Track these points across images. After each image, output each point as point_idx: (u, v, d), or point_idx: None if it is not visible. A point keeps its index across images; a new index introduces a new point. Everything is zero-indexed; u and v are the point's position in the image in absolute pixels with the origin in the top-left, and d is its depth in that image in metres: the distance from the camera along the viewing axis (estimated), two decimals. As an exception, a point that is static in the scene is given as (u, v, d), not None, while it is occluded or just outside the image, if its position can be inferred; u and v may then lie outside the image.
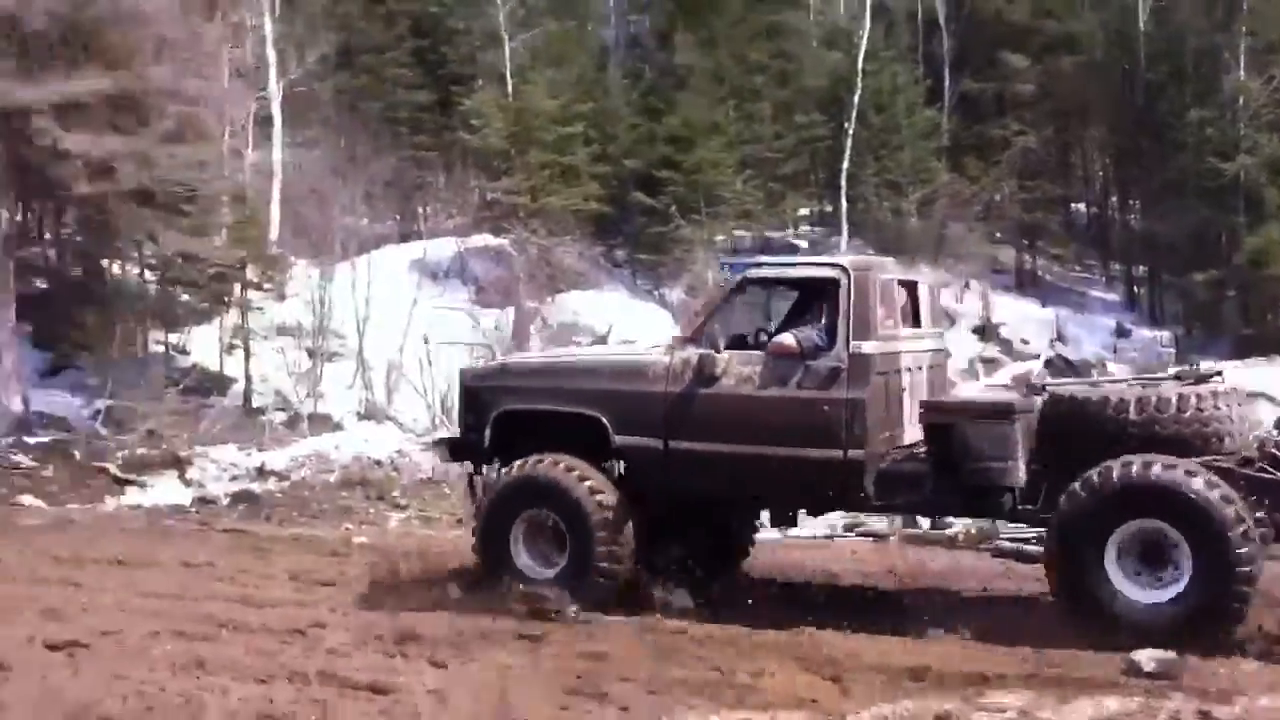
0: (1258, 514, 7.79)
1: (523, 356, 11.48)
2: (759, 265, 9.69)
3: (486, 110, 29.11)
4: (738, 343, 9.08)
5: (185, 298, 23.95)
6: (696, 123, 29.00)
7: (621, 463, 8.97)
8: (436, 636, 8.39)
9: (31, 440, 18.32)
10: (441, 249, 28.92)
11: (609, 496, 8.85)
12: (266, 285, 24.72)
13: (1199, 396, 8.08)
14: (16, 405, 19.37)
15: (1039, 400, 8.64)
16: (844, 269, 8.72)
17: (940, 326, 10.17)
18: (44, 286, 23.70)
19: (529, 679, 7.50)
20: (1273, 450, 8.03)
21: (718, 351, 8.73)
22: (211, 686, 7.32)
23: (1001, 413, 8.38)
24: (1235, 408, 8.17)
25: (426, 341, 21.98)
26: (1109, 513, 7.80)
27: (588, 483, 8.87)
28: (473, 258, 28.53)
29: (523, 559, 9.11)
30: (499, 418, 9.36)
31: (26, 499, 15.29)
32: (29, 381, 20.47)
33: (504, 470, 9.26)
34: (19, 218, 22.60)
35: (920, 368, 9.21)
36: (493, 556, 9.20)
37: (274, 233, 26.37)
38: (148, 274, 24.16)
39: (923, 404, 8.81)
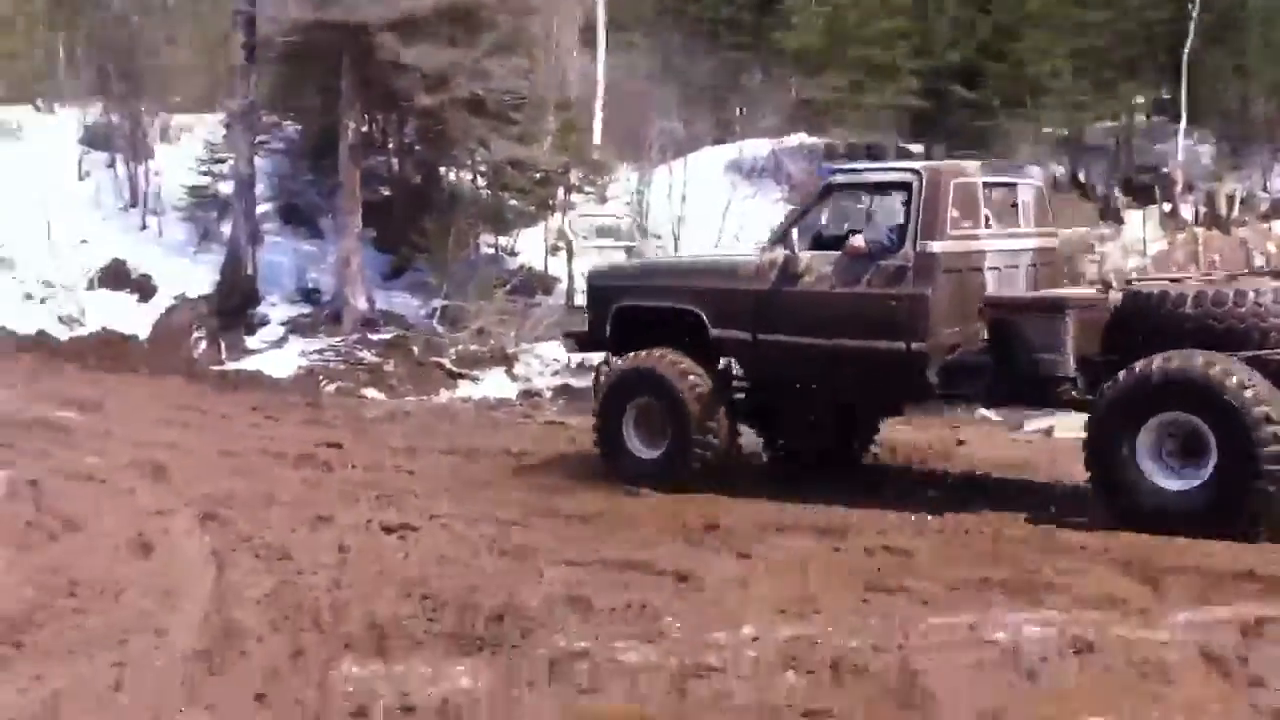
0: None
1: (636, 259, 11.63)
2: (844, 172, 10.17)
3: (804, 8, 28.64)
4: (831, 244, 9.60)
5: (513, 202, 24.92)
6: (1023, 11, 27.62)
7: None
8: (739, 528, 8.58)
9: (375, 337, 19.60)
10: (756, 149, 28.86)
11: (704, 386, 9.74)
12: (588, 189, 25.40)
13: (1258, 292, 8.21)
14: (362, 304, 20.75)
15: (1114, 296, 8.92)
16: (916, 173, 9.29)
17: (1049, 225, 10.32)
18: (387, 194, 25.12)
19: (830, 571, 7.57)
20: None
21: (797, 252, 9.43)
22: (528, 569, 7.75)
23: (1051, 308, 8.87)
24: None
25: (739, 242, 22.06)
26: (1141, 403, 8.15)
27: (686, 374, 9.76)
28: (787, 157, 28.34)
29: (633, 441, 10.11)
30: (617, 313, 10.43)
31: (369, 392, 16.35)
32: (373, 283, 21.87)
33: (618, 362, 10.39)
34: (364, 129, 23.93)
35: (1016, 266, 9.64)
36: (608, 438, 10.26)
37: (596, 138, 26.98)
38: (480, 180, 25.26)
39: (982, 300, 9.18)
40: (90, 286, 22.59)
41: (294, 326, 21.16)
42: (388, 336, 19.82)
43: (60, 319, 21.15)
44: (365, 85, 21.77)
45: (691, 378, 9.75)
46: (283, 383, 17.19)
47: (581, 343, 11.48)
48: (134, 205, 26.28)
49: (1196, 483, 8.03)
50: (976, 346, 9.12)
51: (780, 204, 25.68)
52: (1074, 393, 8.78)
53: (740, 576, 7.51)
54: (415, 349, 19.15)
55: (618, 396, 10.22)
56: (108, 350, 18.94)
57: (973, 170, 9.66)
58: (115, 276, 22.98)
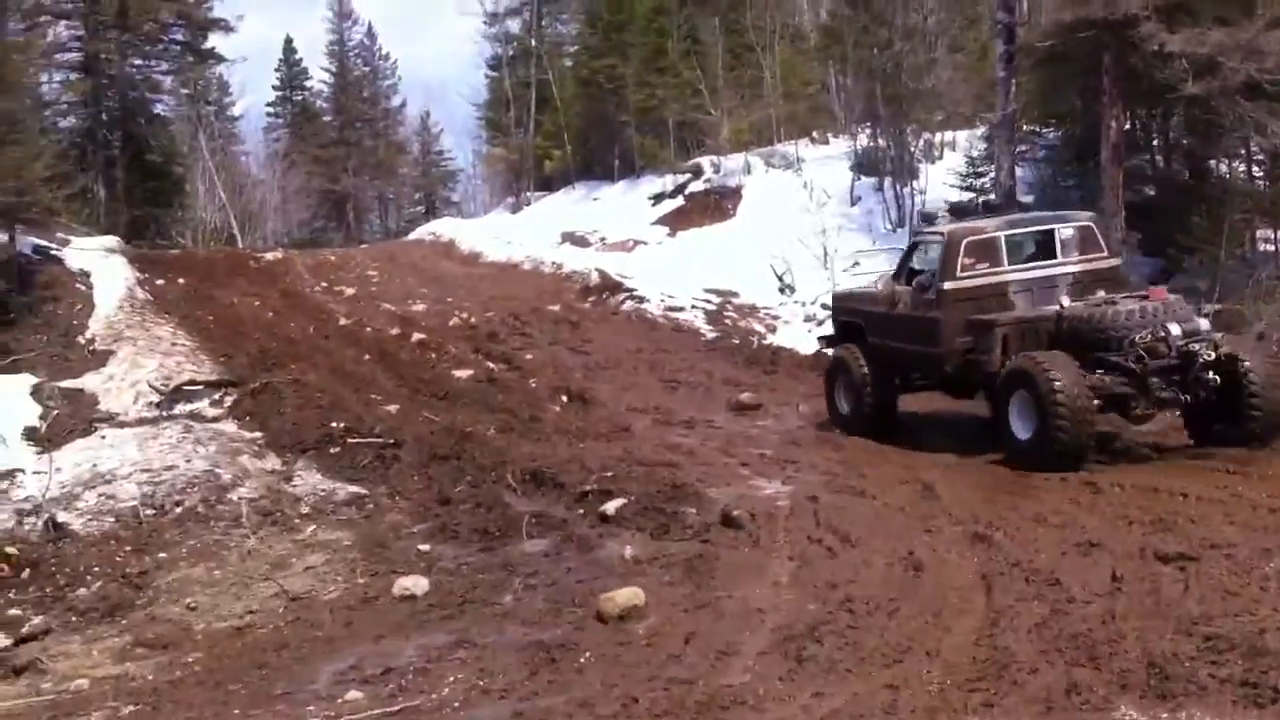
0: (1124, 387, 11.88)
1: (848, 288, 17.69)
2: (920, 236, 14.74)
3: None
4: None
5: (1294, 192, 22.56)
6: None
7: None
8: None
9: (1144, 346, 18.61)
10: None
11: (866, 369, 14.48)
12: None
13: (1098, 315, 12.14)
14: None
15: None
16: (942, 234, 13.76)
17: (1096, 254, 13.76)
18: (1150, 193, 23.89)
19: None
20: (1139, 350, 11.80)
21: (896, 288, 14.17)
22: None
23: (986, 325, 12.81)
24: (1140, 315, 12.03)
25: None
26: (1007, 385, 12.16)
27: (857, 360, 14.61)
28: None
29: (839, 401, 15.10)
30: (840, 323, 15.79)
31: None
32: (1137, 288, 20.85)
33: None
34: (1125, 127, 22.97)
35: (1055, 286, 13.20)
36: (829, 400, 15.30)
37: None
38: (1255, 170, 23.21)
39: (965, 319, 13.12)
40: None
41: (1058, 337, 20.74)
42: (1158, 345, 18.72)
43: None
44: (1127, 80, 20.90)
45: (859, 364, 14.58)
46: (1047, 396, 16.87)
47: (828, 342, 16.44)
48: (901, 225, 27.38)
49: (1032, 434, 11.73)
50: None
51: None
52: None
53: None
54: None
55: (832, 374, 15.33)
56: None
57: (991, 228, 13.74)
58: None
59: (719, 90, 38.31)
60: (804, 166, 34.33)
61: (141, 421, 15.91)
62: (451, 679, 7.39)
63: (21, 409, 16.03)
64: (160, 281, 25.43)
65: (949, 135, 31.82)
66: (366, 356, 20.26)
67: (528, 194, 50.87)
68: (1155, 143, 25.04)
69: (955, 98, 30.51)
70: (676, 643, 7.64)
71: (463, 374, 19.06)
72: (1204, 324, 12.52)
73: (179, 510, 12.25)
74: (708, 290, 26.02)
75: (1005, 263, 13.31)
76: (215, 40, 46.01)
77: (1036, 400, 11.55)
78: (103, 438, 14.86)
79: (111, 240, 28.97)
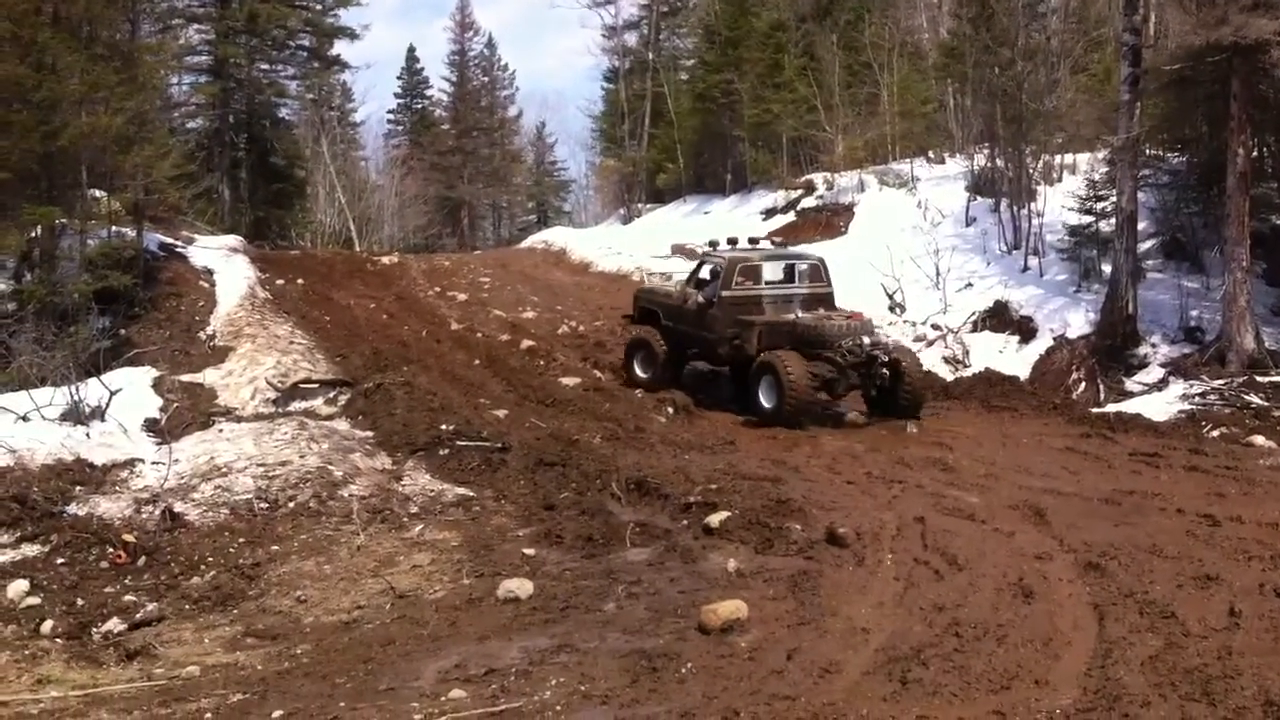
0: (831, 375, 17.00)
1: (650, 286, 23.22)
2: (706, 256, 19.98)
3: None
4: (706, 285, 19.30)
5: None
6: None
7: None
8: None
9: (1263, 379, 18.10)
10: None
11: (661, 346, 19.35)
12: None
13: (820, 325, 17.24)
14: (1249, 343, 19.34)
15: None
16: (722, 257, 18.97)
17: (820, 283, 18.75)
18: (1277, 222, 23.23)
19: None
20: (842, 351, 16.93)
21: (687, 289, 19.52)
22: None
23: (749, 324, 17.82)
24: (845, 328, 17.24)
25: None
26: (759, 369, 17.18)
27: (654, 338, 19.49)
28: None
29: (637, 370, 19.68)
30: (640, 309, 20.60)
31: (1257, 439, 15.03)
32: (1262, 319, 20.31)
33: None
34: (1254, 154, 22.36)
35: (791, 300, 18.29)
36: (627, 368, 19.93)
37: None
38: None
39: (734, 318, 18.15)
40: (974, 328, 23.48)
41: (1174, 367, 20.19)
42: (1277, 379, 18.17)
43: (945, 360, 22.20)
44: (1255, 107, 20.35)
45: (656, 341, 19.39)
46: (1161, 426, 16.42)
47: (631, 321, 20.81)
48: (1016, 247, 26.98)
49: (773, 404, 16.70)
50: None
51: None
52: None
53: None
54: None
55: (632, 347, 19.90)
56: (990, 390, 19.47)
57: (756, 257, 18.78)
58: (997, 318, 23.68)
59: (834, 107, 38.13)
60: (919, 185, 34.00)
61: (258, 417, 16.31)
62: (553, 682, 7.44)
63: (143, 401, 16.51)
64: (280, 281, 26.02)
65: (1069, 158, 31.23)
66: (476, 361, 20.51)
67: (639, 205, 51.09)
68: (1283, 171, 24.29)
69: (1077, 120, 29.92)
70: (779, 658, 7.61)
71: (570, 382, 19.20)
72: (881, 337, 18.52)
73: (292, 505, 12.50)
74: (817, 307, 25.84)
75: (762, 282, 18.45)
76: (340, 47, 47.27)
77: (777, 383, 16.58)
78: (220, 431, 15.24)
79: (234, 239, 29.75)
